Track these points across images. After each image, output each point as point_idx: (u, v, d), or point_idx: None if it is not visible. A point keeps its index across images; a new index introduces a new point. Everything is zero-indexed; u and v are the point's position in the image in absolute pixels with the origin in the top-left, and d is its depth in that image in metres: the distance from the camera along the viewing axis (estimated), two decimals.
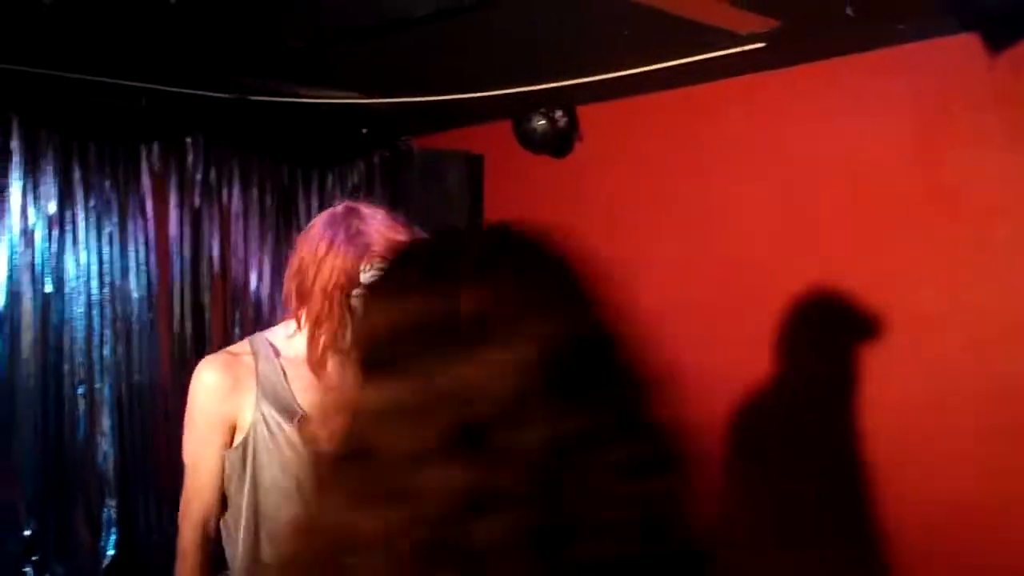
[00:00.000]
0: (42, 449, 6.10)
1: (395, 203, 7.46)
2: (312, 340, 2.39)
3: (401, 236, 2.42)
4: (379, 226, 2.44)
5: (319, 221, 2.52)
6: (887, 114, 5.57)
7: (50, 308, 6.18)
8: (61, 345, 6.21)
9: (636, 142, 6.58)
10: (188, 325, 6.66)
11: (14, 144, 6.05)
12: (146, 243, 6.52)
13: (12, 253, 6.03)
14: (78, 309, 6.26)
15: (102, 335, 6.33)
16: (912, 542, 5.26)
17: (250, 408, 2.32)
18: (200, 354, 6.68)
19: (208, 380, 2.37)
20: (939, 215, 5.42)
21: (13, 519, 6.03)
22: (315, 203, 7.28)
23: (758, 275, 6.05)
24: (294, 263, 2.49)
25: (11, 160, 6.05)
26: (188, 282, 6.67)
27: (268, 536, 2.27)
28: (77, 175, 6.28)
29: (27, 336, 6.07)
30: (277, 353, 2.42)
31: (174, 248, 6.64)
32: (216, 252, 6.80)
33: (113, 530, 6.28)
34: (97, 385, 6.30)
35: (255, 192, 6.99)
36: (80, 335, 6.26)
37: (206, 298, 6.77)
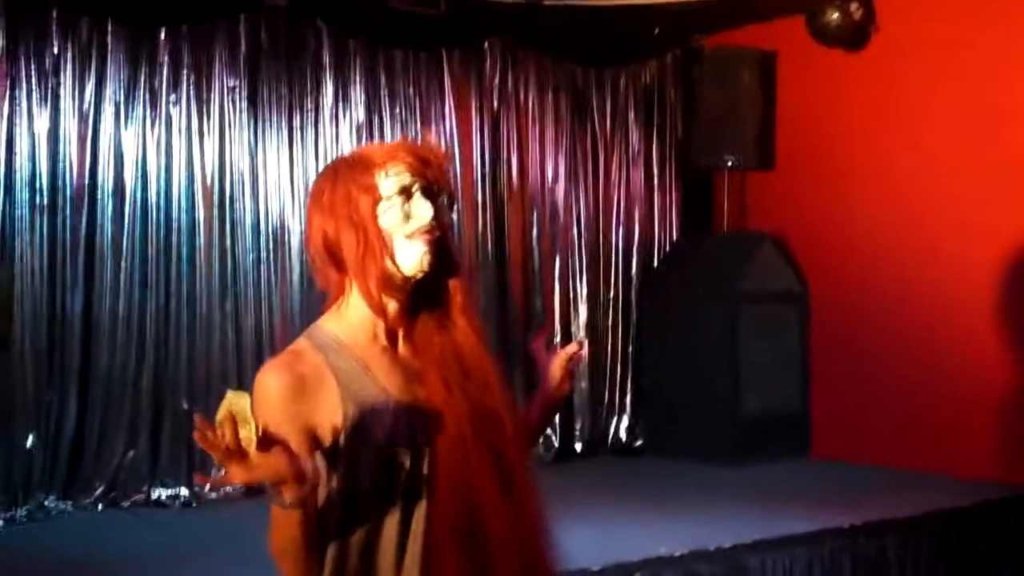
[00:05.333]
0: None
1: (687, 103, 7.48)
2: (363, 285, 2.07)
3: (405, 145, 2.11)
4: (375, 145, 2.24)
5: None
6: None
7: None
8: None
9: (936, 31, 6.33)
10: (490, 227, 6.88)
11: (325, 53, 6.39)
12: (447, 148, 6.77)
13: (323, 159, 6.38)
14: None
15: None
16: None
17: (332, 407, 2.04)
18: (500, 257, 6.94)
19: (272, 385, 2.00)
20: None
21: None
22: (608, 104, 7.37)
23: None
24: (315, 239, 2.13)
25: (323, 70, 6.40)
26: (488, 186, 6.90)
27: (359, 540, 2.04)
28: (383, 82, 6.57)
29: None
30: (343, 343, 2.10)
31: (475, 153, 6.87)
32: (514, 156, 6.99)
33: None
34: None
35: (550, 95, 7.12)
36: None
37: (505, 200, 6.98)
